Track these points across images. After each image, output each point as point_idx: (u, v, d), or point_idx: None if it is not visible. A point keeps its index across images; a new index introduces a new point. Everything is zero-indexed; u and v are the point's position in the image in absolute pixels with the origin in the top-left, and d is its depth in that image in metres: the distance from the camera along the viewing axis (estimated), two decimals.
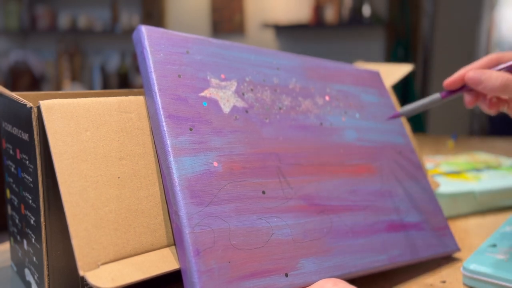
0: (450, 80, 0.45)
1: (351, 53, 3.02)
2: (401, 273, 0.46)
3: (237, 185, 0.37)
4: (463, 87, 0.45)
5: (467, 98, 0.46)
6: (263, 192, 0.38)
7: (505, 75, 0.41)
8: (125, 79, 3.48)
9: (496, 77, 0.41)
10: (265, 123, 0.42)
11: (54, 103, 0.34)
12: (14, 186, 0.41)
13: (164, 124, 0.36)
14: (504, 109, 0.48)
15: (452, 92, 0.46)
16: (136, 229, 0.34)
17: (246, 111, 0.41)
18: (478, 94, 0.46)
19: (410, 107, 0.47)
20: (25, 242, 0.40)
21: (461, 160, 0.84)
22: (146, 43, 0.39)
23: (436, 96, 0.46)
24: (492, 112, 0.47)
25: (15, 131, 0.39)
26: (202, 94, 0.39)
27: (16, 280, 0.43)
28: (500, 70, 0.44)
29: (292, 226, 0.38)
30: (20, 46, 3.75)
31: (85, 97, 0.36)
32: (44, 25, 3.52)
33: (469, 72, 0.43)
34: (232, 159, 0.38)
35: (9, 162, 0.42)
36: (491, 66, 0.45)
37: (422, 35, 2.95)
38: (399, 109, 0.59)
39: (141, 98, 0.38)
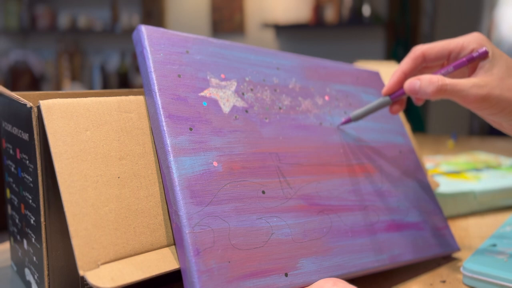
0: (388, 88, 0.46)
1: (351, 53, 3.02)
2: (401, 273, 0.46)
3: (237, 185, 0.37)
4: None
5: (414, 99, 0.47)
6: (263, 192, 0.38)
7: (437, 81, 0.41)
8: (125, 79, 3.48)
9: (426, 85, 0.41)
10: (265, 123, 0.42)
11: (54, 103, 0.34)
12: (14, 185, 0.41)
13: (164, 123, 0.36)
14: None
15: (398, 95, 0.46)
16: (136, 229, 0.34)
17: (246, 111, 0.41)
18: None
19: (360, 111, 0.47)
20: (25, 241, 0.40)
21: (461, 160, 0.84)
22: (146, 43, 0.39)
23: (385, 99, 0.46)
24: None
25: (15, 131, 0.39)
26: (202, 94, 0.39)
27: (16, 280, 0.43)
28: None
29: (292, 226, 0.38)
30: (20, 46, 3.76)
31: (85, 97, 0.36)
32: (44, 25, 3.52)
33: (405, 84, 0.43)
34: (232, 159, 0.38)
35: (9, 162, 0.42)
36: (417, 64, 0.45)
37: (422, 35, 2.95)
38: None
39: (141, 98, 0.38)
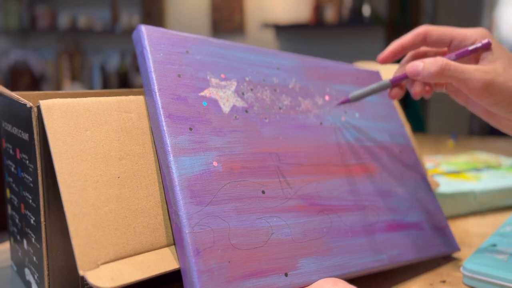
0: (382, 56, 0.46)
1: (351, 53, 3.02)
2: (401, 273, 0.46)
3: (237, 185, 0.37)
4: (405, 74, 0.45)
5: (412, 92, 0.47)
6: (263, 192, 0.38)
7: (441, 61, 0.41)
8: (125, 79, 3.48)
9: (430, 65, 0.41)
10: (264, 123, 0.42)
11: (54, 102, 0.34)
12: (14, 185, 0.41)
13: (164, 123, 0.36)
14: (443, 90, 0.48)
15: (398, 78, 0.46)
16: (136, 228, 0.34)
17: (246, 111, 0.41)
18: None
19: (359, 92, 0.47)
20: (25, 241, 0.40)
21: (461, 160, 0.84)
22: (146, 43, 0.39)
23: (385, 81, 0.46)
24: (426, 96, 0.47)
25: (15, 130, 0.39)
26: (202, 93, 0.39)
27: (16, 280, 0.43)
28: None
29: (291, 225, 0.38)
30: (20, 46, 3.76)
31: (85, 97, 0.36)
32: (44, 25, 3.52)
33: (408, 66, 0.43)
34: (232, 159, 0.38)
35: (9, 162, 0.42)
36: (418, 41, 0.45)
37: None
38: (398, 107, 0.59)
39: (141, 98, 0.38)
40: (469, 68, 0.40)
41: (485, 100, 0.41)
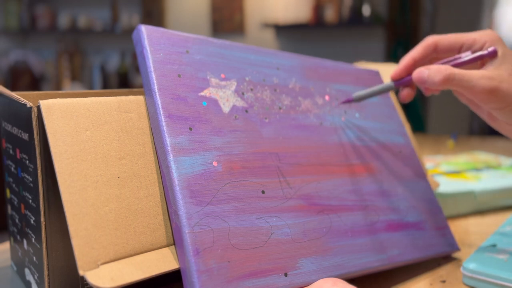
0: (396, 73, 0.46)
1: (351, 53, 3.02)
2: (401, 273, 0.46)
3: (237, 185, 0.37)
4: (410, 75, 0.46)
5: (423, 89, 0.47)
6: (263, 192, 0.38)
7: (445, 70, 0.41)
8: (125, 79, 3.48)
9: (434, 74, 0.41)
10: (264, 123, 0.42)
11: (54, 102, 0.34)
12: (14, 185, 0.41)
13: (163, 123, 0.36)
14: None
15: (403, 81, 0.46)
16: (136, 228, 0.34)
17: (246, 111, 0.41)
18: None
19: (363, 92, 0.48)
20: (25, 241, 0.40)
21: (461, 159, 0.84)
22: (146, 42, 0.39)
23: (389, 83, 0.47)
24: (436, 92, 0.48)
25: (15, 130, 0.39)
26: (202, 93, 0.39)
27: (16, 280, 0.43)
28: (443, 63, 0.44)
29: (291, 225, 0.38)
30: (20, 46, 3.75)
31: (85, 97, 0.36)
32: (44, 25, 3.52)
33: (414, 73, 0.43)
34: (232, 159, 0.38)
35: (9, 162, 0.42)
36: (428, 53, 0.45)
37: (422, 35, 2.95)
38: (399, 107, 0.59)
39: (141, 98, 0.38)
40: (474, 76, 0.40)
41: (489, 105, 0.41)
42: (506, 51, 0.42)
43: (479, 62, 0.43)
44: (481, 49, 0.43)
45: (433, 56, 0.46)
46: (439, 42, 0.45)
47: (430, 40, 0.45)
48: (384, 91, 0.47)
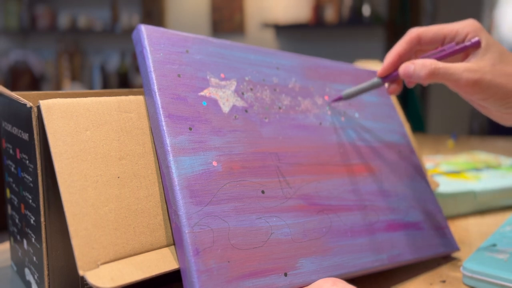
0: (382, 69, 0.46)
1: (351, 53, 3.02)
2: (401, 273, 0.46)
3: (237, 185, 0.37)
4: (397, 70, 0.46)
5: (406, 82, 0.48)
6: (263, 192, 0.38)
7: (430, 65, 0.42)
8: (125, 79, 3.48)
9: (420, 69, 0.42)
10: (264, 123, 0.42)
11: (54, 102, 0.34)
12: (14, 185, 0.41)
13: (163, 123, 0.36)
14: None
15: (390, 77, 0.46)
16: (135, 228, 0.34)
17: (246, 111, 0.41)
18: None
19: (352, 90, 0.48)
20: (25, 241, 0.40)
21: (461, 159, 0.84)
22: (146, 42, 0.39)
23: (377, 80, 0.47)
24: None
25: (15, 130, 0.39)
26: (202, 93, 0.39)
27: (16, 280, 0.43)
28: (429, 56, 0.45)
29: (291, 225, 0.38)
30: (20, 46, 3.76)
31: (85, 97, 0.36)
32: (44, 25, 3.52)
33: (400, 68, 0.44)
34: (232, 159, 0.38)
35: (9, 162, 0.42)
36: (412, 46, 0.45)
37: None
38: (398, 107, 0.59)
39: (141, 98, 0.38)
40: (457, 69, 0.41)
41: (474, 96, 0.42)
42: (490, 41, 0.42)
43: (463, 53, 0.43)
44: (464, 39, 0.43)
45: (418, 48, 0.46)
46: (422, 34, 0.45)
47: (413, 33, 0.45)
48: (372, 87, 0.47)
